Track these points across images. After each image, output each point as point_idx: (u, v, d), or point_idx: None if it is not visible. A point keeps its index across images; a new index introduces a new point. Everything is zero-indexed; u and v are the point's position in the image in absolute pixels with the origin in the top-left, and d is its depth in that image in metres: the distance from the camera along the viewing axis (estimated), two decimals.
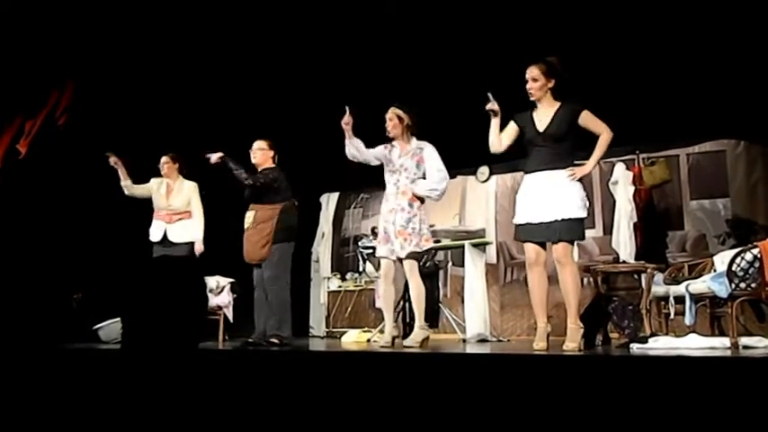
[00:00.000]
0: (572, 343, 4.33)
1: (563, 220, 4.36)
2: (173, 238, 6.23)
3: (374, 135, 5.38)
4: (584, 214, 4.43)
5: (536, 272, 4.54)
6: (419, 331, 5.01)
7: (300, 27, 6.79)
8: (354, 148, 5.27)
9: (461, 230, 7.34)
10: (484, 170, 8.57)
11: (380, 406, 3.05)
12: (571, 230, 4.39)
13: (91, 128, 7.02)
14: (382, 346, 5.00)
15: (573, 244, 4.49)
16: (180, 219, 6.28)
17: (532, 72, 4.54)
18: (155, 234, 6.28)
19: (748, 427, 2.39)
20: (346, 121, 5.19)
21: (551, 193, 4.40)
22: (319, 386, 3.34)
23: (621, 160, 7.19)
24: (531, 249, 4.53)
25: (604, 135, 4.43)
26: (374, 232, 7.90)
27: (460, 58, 6.85)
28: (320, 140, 7.79)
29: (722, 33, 5.99)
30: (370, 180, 5.63)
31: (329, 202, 9.89)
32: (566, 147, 4.48)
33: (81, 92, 7.09)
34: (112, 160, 6.21)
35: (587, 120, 4.45)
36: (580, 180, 4.45)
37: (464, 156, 7.52)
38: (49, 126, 6.97)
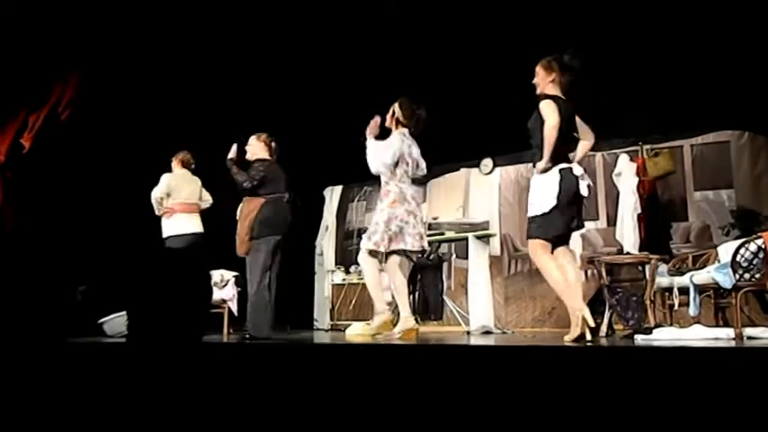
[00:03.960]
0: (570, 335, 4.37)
1: (532, 217, 4.39)
2: None
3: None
4: (541, 210, 4.33)
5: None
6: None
7: (304, 23, 6.79)
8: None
9: (465, 223, 7.32)
10: (487, 162, 8.56)
11: (385, 398, 3.06)
12: (533, 228, 4.37)
13: (94, 122, 7.03)
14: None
15: (543, 240, 4.37)
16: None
17: (536, 70, 4.61)
18: None
19: (753, 418, 2.39)
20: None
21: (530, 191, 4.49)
22: (324, 379, 3.35)
23: (625, 151, 7.18)
24: None
25: (546, 127, 4.33)
26: None
27: (463, 51, 6.83)
28: (323, 134, 7.82)
29: (726, 24, 5.96)
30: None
31: (333, 195, 9.88)
32: (536, 143, 4.45)
33: (84, 85, 7.10)
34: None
35: (541, 110, 4.41)
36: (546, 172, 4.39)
37: (468, 148, 7.54)
38: (53, 120, 6.98)
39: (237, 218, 5.66)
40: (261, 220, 5.48)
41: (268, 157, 5.77)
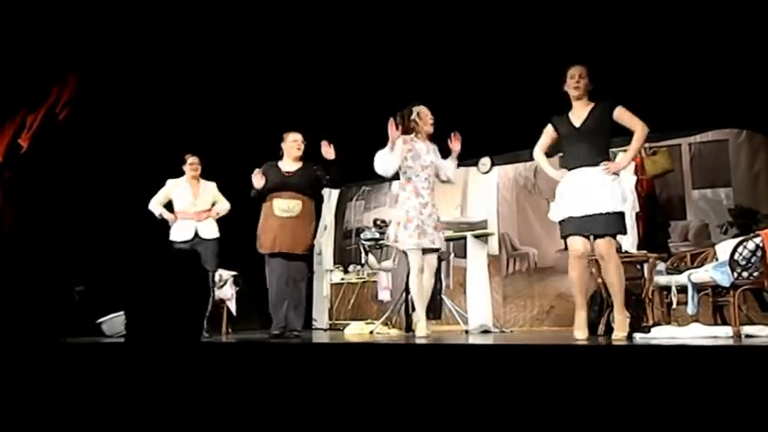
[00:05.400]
0: (621, 332, 4.37)
1: (605, 213, 4.42)
2: (204, 235, 6.31)
3: (375, 130, 5.39)
4: (623, 208, 4.50)
5: (581, 264, 4.58)
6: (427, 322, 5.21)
7: (303, 24, 6.78)
8: (394, 159, 5.29)
9: (463, 222, 7.32)
10: (485, 161, 8.56)
11: (384, 397, 3.06)
12: (612, 225, 4.44)
13: (92, 122, 7.03)
14: (420, 337, 5.11)
15: (615, 238, 4.55)
16: (207, 216, 6.38)
17: (580, 70, 4.65)
18: (184, 233, 6.33)
19: (751, 416, 2.39)
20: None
21: (591, 188, 4.46)
22: (323, 378, 3.35)
23: (623, 150, 7.17)
24: (578, 242, 4.53)
25: (639, 130, 4.50)
26: (376, 224, 7.89)
27: (461, 50, 6.83)
28: (322, 133, 7.81)
29: (725, 22, 5.96)
30: (372, 172, 5.63)
31: (331, 194, 9.87)
32: (600, 142, 4.58)
33: (82, 86, 7.09)
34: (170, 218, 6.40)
35: (622, 115, 4.53)
36: (617, 174, 4.54)
37: (466, 147, 7.51)
38: (51, 120, 6.97)
39: (292, 213, 5.76)
40: (317, 223, 5.98)
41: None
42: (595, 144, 4.54)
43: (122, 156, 7.03)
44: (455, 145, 5.42)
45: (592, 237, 4.51)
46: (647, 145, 7.20)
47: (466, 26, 6.59)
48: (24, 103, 6.97)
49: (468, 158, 8.46)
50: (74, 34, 6.67)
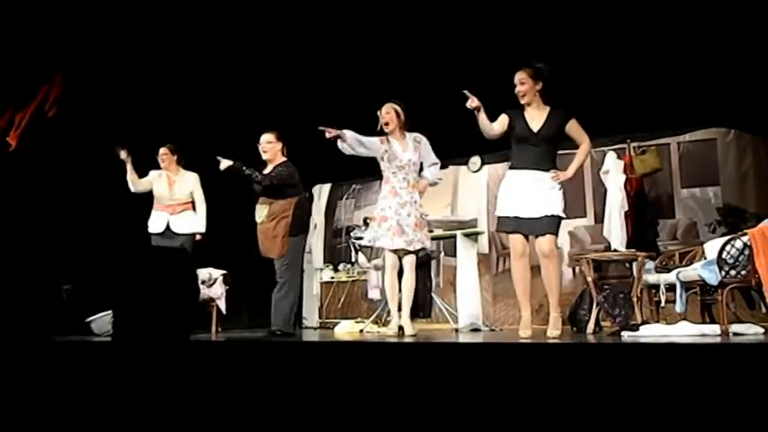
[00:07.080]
0: (555, 330, 4.60)
1: (550, 216, 4.65)
2: (176, 228, 6.32)
3: (368, 128, 5.39)
4: (563, 214, 4.74)
5: (522, 263, 4.76)
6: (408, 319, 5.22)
7: (296, 21, 6.76)
8: (354, 142, 5.35)
9: (453, 220, 7.34)
10: (476, 160, 8.57)
11: (374, 396, 3.06)
12: (552, 225, 4.66)
13: (81, 119, 6.99)
14: (389, 336, 5.10)
15: (556, 237, 4.74)
16: (183, 210, 6.35)
17: (520, 76, 4.78)
18: (156, 225, 6.35)
19: (738, 413, 2.41)
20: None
21: (539, 191, 4.68)
22: (313, 377, 3.35)
23: (612, 149, 7.20)
24: (518, 241, 4.75)
25: (585, 145, 4.79)
26: (366, 223, 7.89)
27: (451, 49, 6.83)
28: (312, 132, 7.80)
29: (713, 21, 5.98)
30: (363, 171, 5.63)
31: (321, 193, 9.87)
32: (552, 149, 4.80)
33: (71, 83, 7.05)
34: (123, 154, 6.22)
35: (573, 128, 4.75)
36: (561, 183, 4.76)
37: (456, 146, 7.53)
38: (39, 119, 6.93)
39: (262, 219, 5.67)
40: (297, 220, 5.66)
41: (284, 158, 5.84)
42: (548, 150, 4.75)
43: (110, 154, 6.99)
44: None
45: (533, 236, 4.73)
46: (635, 144, 7.25)
47: (458, 25, 6.59)
48: (12, 101, 6.92)
49: (458, 157, 8.50)
50: (62, 33, 6.63)
